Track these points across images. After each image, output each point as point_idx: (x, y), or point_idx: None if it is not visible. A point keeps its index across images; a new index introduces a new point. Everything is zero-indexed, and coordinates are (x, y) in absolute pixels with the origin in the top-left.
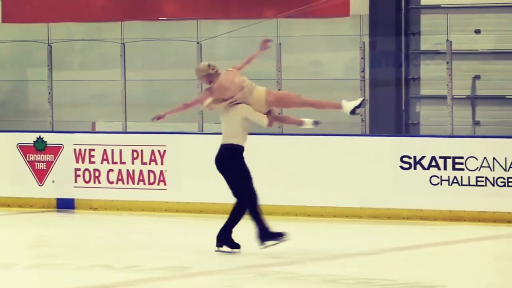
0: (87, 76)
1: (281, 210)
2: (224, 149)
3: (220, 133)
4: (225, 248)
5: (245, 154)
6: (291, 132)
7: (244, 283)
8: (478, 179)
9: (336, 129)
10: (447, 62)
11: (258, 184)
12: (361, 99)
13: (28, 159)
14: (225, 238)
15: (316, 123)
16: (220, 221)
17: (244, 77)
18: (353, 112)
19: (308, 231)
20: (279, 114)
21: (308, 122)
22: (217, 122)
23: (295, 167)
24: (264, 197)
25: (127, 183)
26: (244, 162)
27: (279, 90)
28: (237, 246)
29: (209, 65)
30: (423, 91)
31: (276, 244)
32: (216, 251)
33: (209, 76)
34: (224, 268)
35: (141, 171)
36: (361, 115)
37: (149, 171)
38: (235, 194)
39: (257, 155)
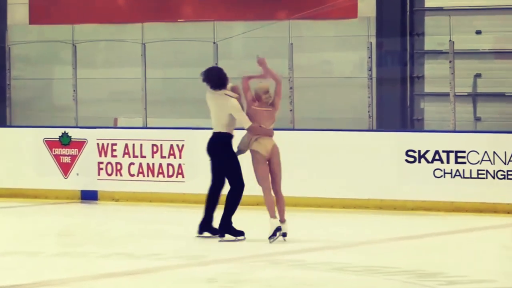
0: (110, 74)
1: (293, 201)
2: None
3: (236, 129)
4: (228, 237)
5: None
6: (302, 128)
7: (256, 271)
8: (479, 172)
9: (344, 125)
10: (450, 61)
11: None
12: None
13: (53, 153)
14: (227, 227)
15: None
16: (236, 212)
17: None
18: None
19: (318, 221)
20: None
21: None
22: None
23: (306, 160)
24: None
25: (147, 175)
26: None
27: (290, 88)
28: (241, 233)
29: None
30: (427, 89)
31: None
32: (220, 241)
33: None
34: (237, 256)
35: (160, 164)
36: (369, 112)
37: (168, 164)
38: (229, 181)
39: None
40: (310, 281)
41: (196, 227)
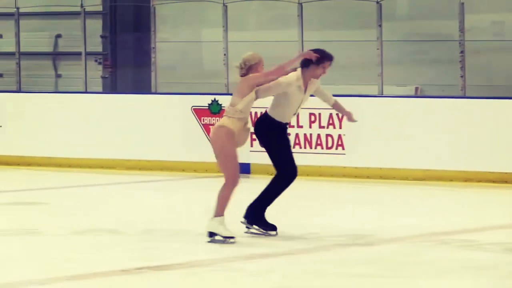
0: (263, 36)
1: (462, 175)
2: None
3: (402, 96)
4: (255, 228)
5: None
6: (474, 96)
7: (423, 252)
8: None
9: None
10: None
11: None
12: None
13: (202, 122)
14: (257, 218)
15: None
16: (400, 188)
17: None
18: None
19: (490, 197)
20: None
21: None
22: (398, 84)
23: (477, 132)
24: (441, 161)
25: (304, 147)
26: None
27: (460, 52)
28: (273, 228)
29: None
30: None
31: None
32: (246, 232)
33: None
34: (400, 236)
35: (318, 135)
36: None
37: (327, 135)
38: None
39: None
40: (482, 264)
41: (355, 204)
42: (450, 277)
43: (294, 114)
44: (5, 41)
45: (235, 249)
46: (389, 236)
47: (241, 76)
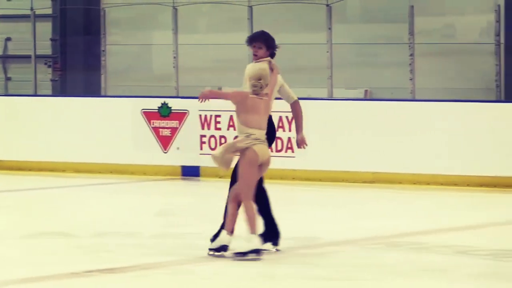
0: (214, 40)
1: (412, 178)
2: None
3: (351, 99)
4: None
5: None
6: (423, 98)
7: (376, 255)
8: None
9: (470, 95)
10: None
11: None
12: None
13: (152, 125)
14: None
15: None
16: (350, 190)
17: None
18: None
19: (441, 200)
20: None
21: None
22: (348, 87)
23: (426, 134)
24: (390, 164)
25: None
26: None
27: (410, 55)
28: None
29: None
30: None
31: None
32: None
33: None
34: (352, 238)
35: None
36: (496, 81)
37: (276, 138)
38: None
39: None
40: (434, 266)
41: (306, 206)
42: (405, 279)
43: None
44: None
45: (186, 251)
46: (342, 239)
47: (257, 94)
